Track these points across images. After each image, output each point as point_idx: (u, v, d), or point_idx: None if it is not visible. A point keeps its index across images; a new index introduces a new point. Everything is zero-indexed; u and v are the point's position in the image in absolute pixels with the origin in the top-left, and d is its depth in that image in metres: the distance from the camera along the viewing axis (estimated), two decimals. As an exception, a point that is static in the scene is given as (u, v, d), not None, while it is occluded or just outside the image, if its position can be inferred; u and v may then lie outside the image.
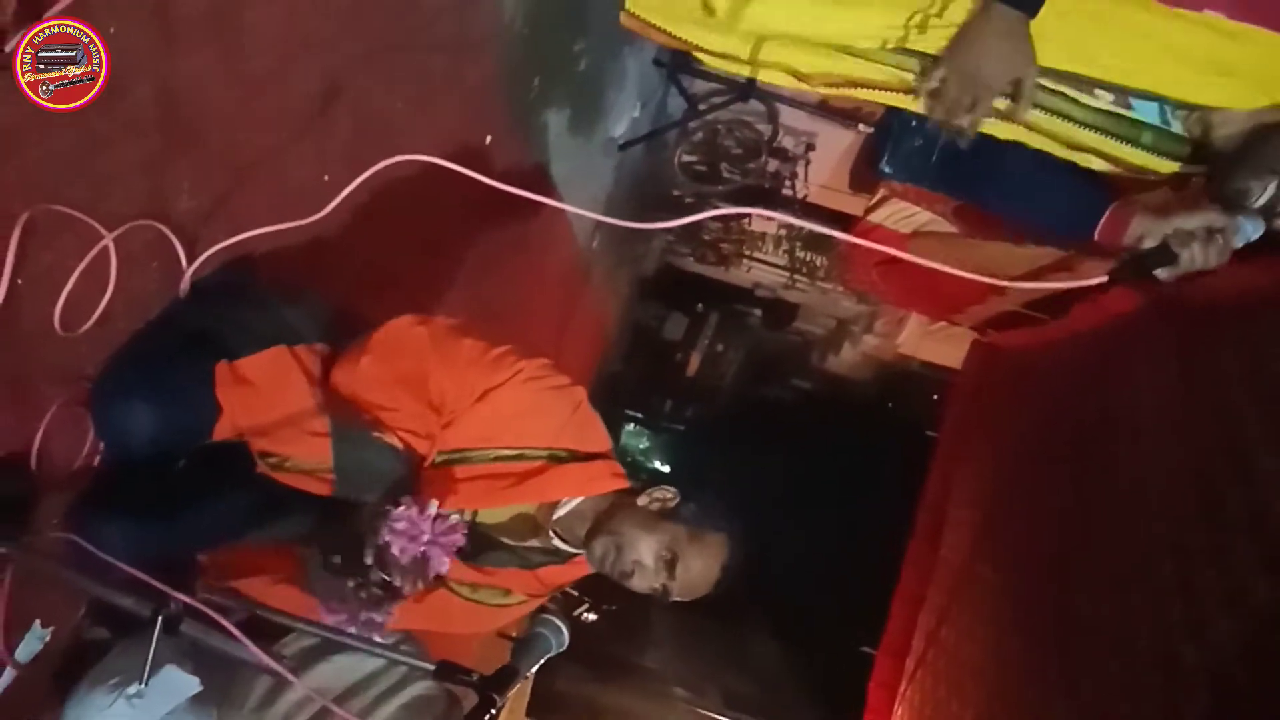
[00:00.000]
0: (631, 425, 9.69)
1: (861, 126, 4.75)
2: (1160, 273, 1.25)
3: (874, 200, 4.78)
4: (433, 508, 1.23)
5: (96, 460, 1.35)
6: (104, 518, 1.29)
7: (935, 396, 7.24)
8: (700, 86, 4.63)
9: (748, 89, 4.36)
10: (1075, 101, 1.32)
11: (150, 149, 1.30)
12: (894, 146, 4.34)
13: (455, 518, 1.26)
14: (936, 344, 6.50)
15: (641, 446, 10.06)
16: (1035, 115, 1.35)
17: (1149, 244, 1.27)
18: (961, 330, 6.07)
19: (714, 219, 6.10)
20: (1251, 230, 1.23)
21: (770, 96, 4.66)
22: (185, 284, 1.42)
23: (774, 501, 7.02)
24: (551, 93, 3.27)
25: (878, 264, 5.00)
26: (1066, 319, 4.54)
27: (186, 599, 1.10)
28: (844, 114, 4.79)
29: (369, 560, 1.22)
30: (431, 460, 1.46)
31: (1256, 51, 1.21)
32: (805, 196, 5.49)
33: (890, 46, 1.34)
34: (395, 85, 2.03)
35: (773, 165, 5.27)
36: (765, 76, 1.50)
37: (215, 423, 1.33)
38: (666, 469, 9.95)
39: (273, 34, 1.50)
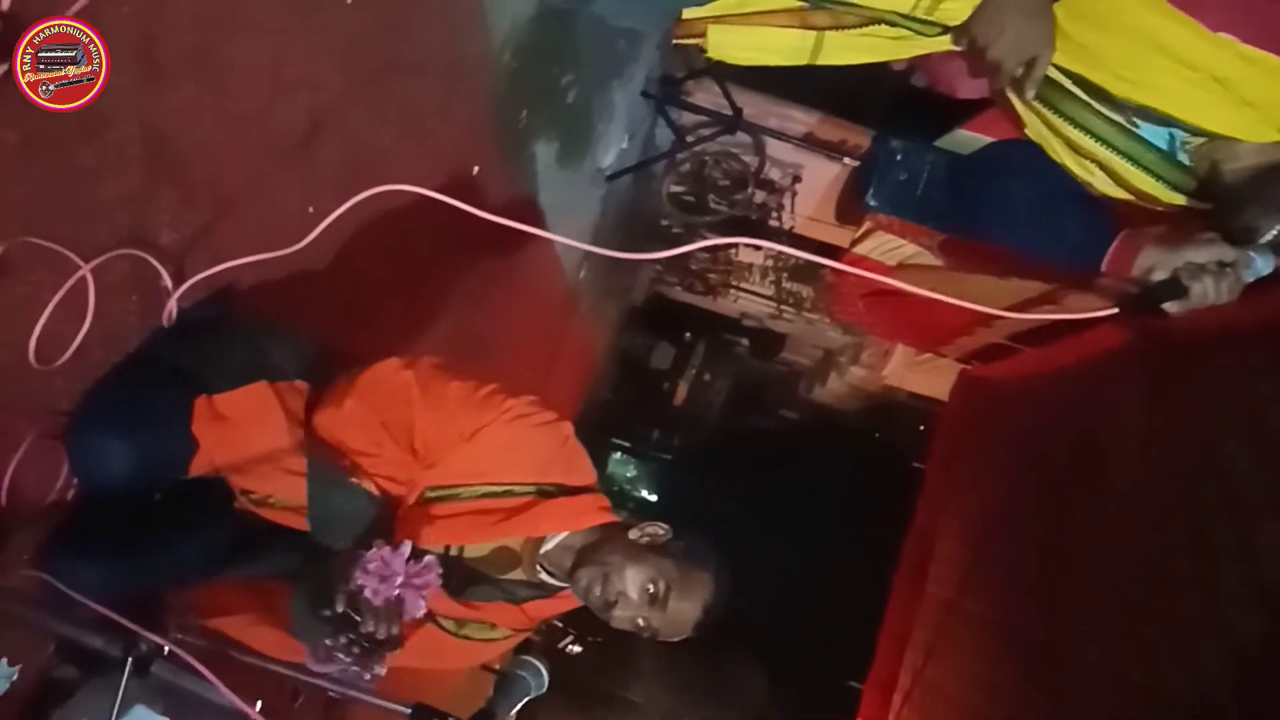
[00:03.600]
0: (618, 454, 9.66)
1: (847, 160, 4.79)
2: (1170, 306, 1.22)
3: (860, 232, 4.81)
4: (406, 548, 1.21)
5: (70, 495, 1.32)
6: (76, 555, 1.26)
7: (922, 428, 7.24)
8: (688, 119, 4.66)
9: (735, 121, 4.39)
10: (1087, 105, 1.30)
11: (132, 183, 1.29)
12: (879, 180, 4.40)
13: (429, 558, 1.24)
14: (923, 375, 6.52)
15: (628, 475, 10.02)
16: (1045, 113, 1.33)
17: (1158, 276, 1.24)
18: (947, 362, 6.09)
19: (702, 249, 6.12)
20: (1262, 265, 1.21)
21: (757, 129, 4.69)
22: (171, 309, 1.40)
23: (760, 532, 6.99)
24: (539, 124, 3.29)
25: (864, 295, 5.04)
26: (1052, 351, 4.56)
27: (158, 639, 1.08)
28: (830, 146, 4.83)
29: (340, 607, 1.20)
30: (418, 498, 1.45)
31: (1270, 82, 1.19)
32: (792, 228, 5.52)
33: (919, 13, 1.31)
34: (384, 117, 2.03)
35: (759, 196, 5.30)
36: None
37: (192, 458, 1.31)
38: (654, 498, 9.91)
39: (259, 70, 1.50)
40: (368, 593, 1.19)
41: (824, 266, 5.63)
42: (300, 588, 1.43)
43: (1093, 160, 1.35)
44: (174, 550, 1.36)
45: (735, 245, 5.65)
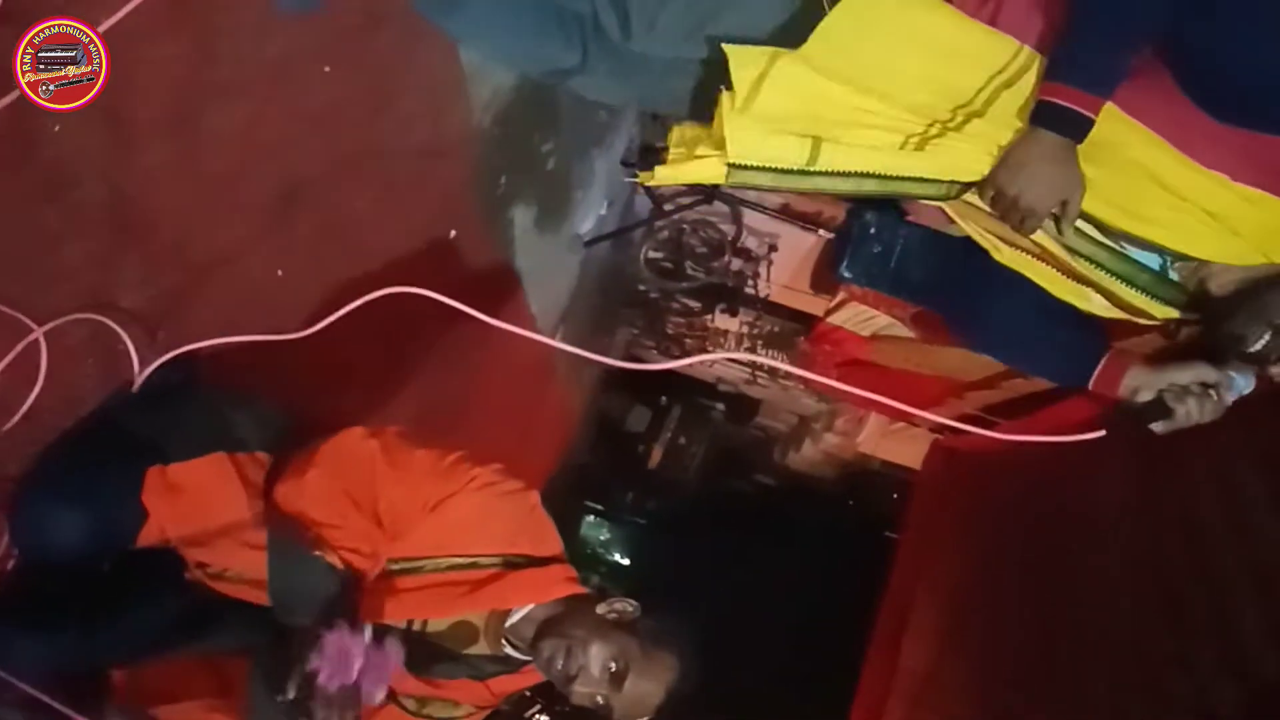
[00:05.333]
0: (592, 517, 9.53)
1: (822, 231, 4.87)
2: (1156, 426, 1.24)
3: (834, 302, 4.87)
4: (366, 632, 1.16)
5: (9, 566, 1.27)
6: (14, 630, 1.20)
7: (895, 495, 7.23)
8: (667, 187, 4.73)
9: (712, 191, 4.46)
10: (1080, 233, 1.30)
11: (97, 246, 1.28)
12: (853, 252, 4.46)
13: (391, 641, 1.19)
14: (896, 444, 6.54)
15: (602, 538, 9.89)
16: (1040, 238, 1.32)
17: (1144, 397, 1.26)
18: (921, 431, 6.12)
19: (678, 314, 6.17)
20: (1244, 384, 1.22)
21: (734, 199, 4.76)
22: (140, 380, 1.37)
23: (733, 599, 6.89)
24: (519, 190, 3.31)
25: (838, 365, 5.06)
26: (1026, 424, 4.58)
27: (91, 724, 1.03)
28: (805, 218, 4.91)
29: (291, 693, 1.14)
30: (380, 571, 1.41)
31: (1262, 214, 1.21)
32: (768, 295, 5.57)
33: (909, 147, 1.28)
34: (361, 186, 2.03)
35: (736, 264, 5.36)
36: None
37: (139, 530, 1.26)
38: (626, 562, 9.77)
39: (234, 136, 1.50)
40: (322, 678, 1.13)
41: (800, 335, 5.68)
42: (258, 669, 1.37)
43: (1089, 284, 1.35)
44: (120, 625, 1.30)
45: (720, 329, 5.71)
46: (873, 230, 4.36)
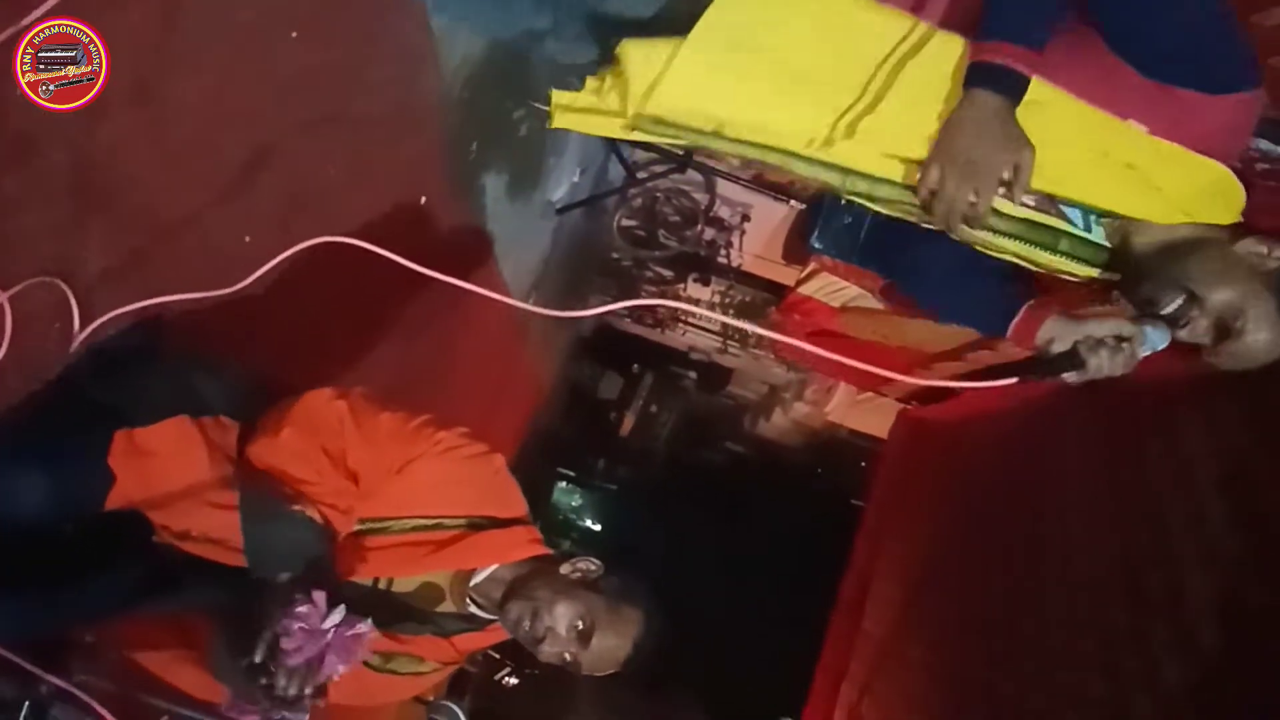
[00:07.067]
0: (564, 483, 9.59)
1: (794, 202, 4.90)
2: (1068, 377, 1.26)
3: (805, 273, 4.91)
4: (338, 613, 1.18)
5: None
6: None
7: (863, 464, 7.36)
8: (640, 155, 4.73)
9: (686, 160, 4.47)
10: (997, 211, 1.30)
11: (61, 212, 1.27)
12: (824, 223, 4.51)
13: (364, 625, 1.22)
14: (864, 413, 6.64)
15: (573, 504, 9.96)
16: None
17: (1058, 348, 1.27)
18: (889, 401, 6.22)
19: (651, 281, 6.19)
20: (1158, 340, 1.24)
21: (707, 168, 4.78)
22: (76, 344, 1.37)
23: (702, 564, 7.01)
24: (490, 157, 3.30)
25: (808, 335, 5.12)
26: (990, 393, 4.66)
27: (59, 681, 1.05)
28: (777, 188, 4.94)
29: (259, 656, 1.16)
30: (349, 532, 1.43)
31: (1177, 170, 1.22)
32: (740, 265, 5.61)
33: (815, 150, 1.29)
34: (330, 152, 2.02)
35: (709, 234, 5.39)
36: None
37: (108, 493, 1.28)
38: (597, 528, 9.86)
39: (200, 102, 1.48)
40: (289, 645, 1.15)
41: (772, 305, 5.72)
42: (221, 627, 1.40)
43: (1006, 252, 1.38)
44: (87, 586, 1.32)
45: (687, 284, 5.72)
46: (843, 202, 4.40)
